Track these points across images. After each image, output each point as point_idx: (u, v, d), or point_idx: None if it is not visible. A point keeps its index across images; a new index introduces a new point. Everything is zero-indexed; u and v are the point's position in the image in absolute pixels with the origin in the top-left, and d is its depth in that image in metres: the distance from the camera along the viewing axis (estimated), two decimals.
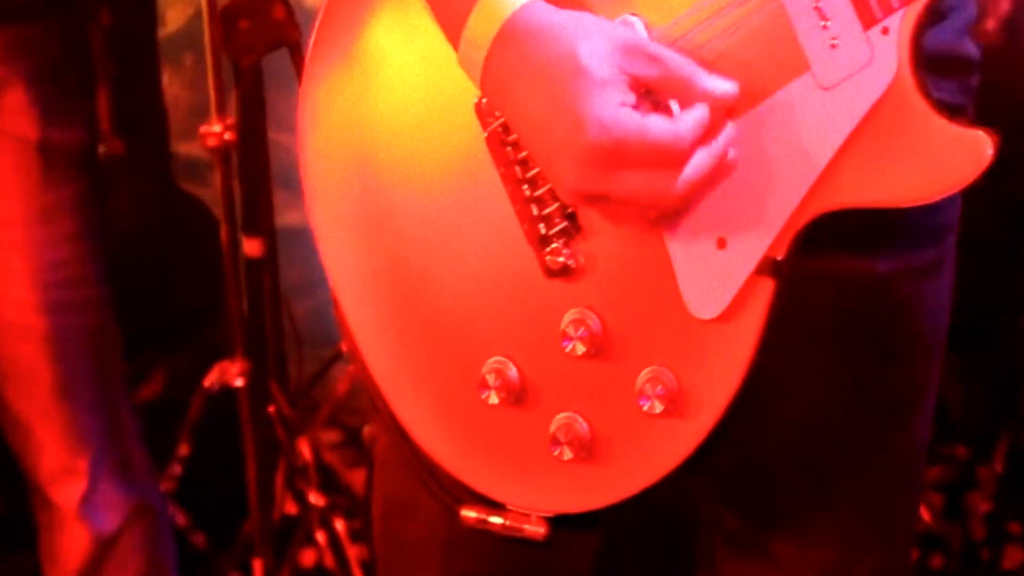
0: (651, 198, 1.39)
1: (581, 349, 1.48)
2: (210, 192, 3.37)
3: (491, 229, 1.51)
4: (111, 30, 3.28)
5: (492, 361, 1.52)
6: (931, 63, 1.39)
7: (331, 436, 3.65)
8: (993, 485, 3.18)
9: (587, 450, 1.50)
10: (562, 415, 1.51)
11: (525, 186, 1.49)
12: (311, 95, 1.57)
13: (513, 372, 1.52)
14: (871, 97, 1.38)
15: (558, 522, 1.55)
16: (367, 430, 3.42)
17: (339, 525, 3.17)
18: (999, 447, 3.18)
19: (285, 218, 3.28)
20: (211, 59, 2.92)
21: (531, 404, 1.52)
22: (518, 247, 1.50)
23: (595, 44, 1.37)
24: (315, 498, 3.17)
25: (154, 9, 3.63)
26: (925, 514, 3.16)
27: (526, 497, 1.55)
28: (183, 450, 3.19)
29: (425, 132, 1.53)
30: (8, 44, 2.34)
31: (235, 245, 3.04)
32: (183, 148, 3.85)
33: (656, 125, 1.36)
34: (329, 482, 3.30)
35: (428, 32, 1.49)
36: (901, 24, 1.37)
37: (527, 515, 1.55)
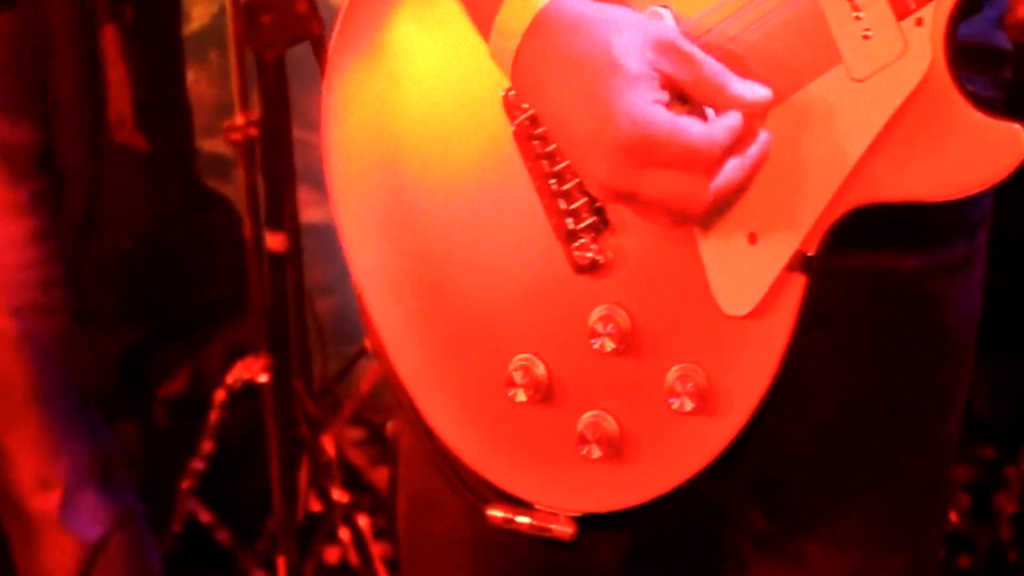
0: (679, 202, 1.38)
1: (610, 346, 1.47)
2: (234, 189, 3.37)
3: (518, 224, 1.50)
4: (134, 26, 3.28)
5: (519, 358, 1.51)
6: (963, 55, 1.38)
7: (355, 433, 3.65)
8: (1020, 486, 3.17)
9: (615, 449, 1.49)
10: (590, 413, 1.50)
11: (553, 180, 1.48)
12: (334, 87, 1.56)
13: (541, 369, 1.51)
14: (905, 89, 1.37)
15: (586, 522, 1.54)
16: (390, 426, 3.41)
17: (363, 522, 3.18)
18: None
19: (309, 215, 3.28)
20: (234, 53, 2.92)
21: (559, 402, 1.51)
22: (546, 242, 1.49)
23: (629, 38, 1.36)
24: (339, 495, 3.17)
25: (179, 5, 3.63)
26: (952, 514, 3.14)
27: (553, 496, 1.54)
28: (207, 447, 3.19)
29: (451, 126, 1.52)
30: None
31: (259, 241, 3.04)
32: (207, 145, 3.85)
33: (689, 126, 1.35)
34: (353, 479, 3.30)
35: (453, 23, 1.48)
36: (935, 15, 1.36)
37: (555, 515, 1.54)
